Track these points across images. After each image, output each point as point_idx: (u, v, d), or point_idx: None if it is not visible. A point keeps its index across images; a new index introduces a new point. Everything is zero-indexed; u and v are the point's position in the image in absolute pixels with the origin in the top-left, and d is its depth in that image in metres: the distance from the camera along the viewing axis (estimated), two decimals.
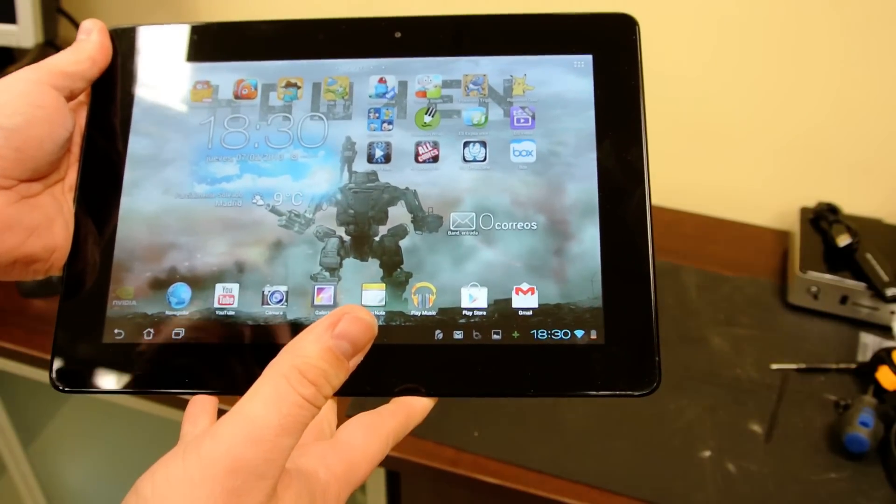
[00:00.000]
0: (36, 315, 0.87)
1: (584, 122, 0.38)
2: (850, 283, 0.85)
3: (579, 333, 0.35)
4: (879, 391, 0.76)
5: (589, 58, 0.39)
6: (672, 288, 0.90)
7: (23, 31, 0.97)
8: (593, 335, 0.35)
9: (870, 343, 0.84)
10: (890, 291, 0.82)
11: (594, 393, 0.34)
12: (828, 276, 0.85)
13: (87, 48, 0.38)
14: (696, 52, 0.94)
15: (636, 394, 0.34)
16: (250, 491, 0.27)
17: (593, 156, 0.37)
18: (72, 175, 0.38)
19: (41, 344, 0.84)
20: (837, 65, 0.91)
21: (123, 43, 0.40)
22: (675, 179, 1.03)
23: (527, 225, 0.37)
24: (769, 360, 0.81)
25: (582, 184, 0.37)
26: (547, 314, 0.36)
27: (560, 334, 0.35)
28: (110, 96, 0.39)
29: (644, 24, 0.39)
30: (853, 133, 0.94)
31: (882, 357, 0.77)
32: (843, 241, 0.87)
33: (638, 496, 0.68)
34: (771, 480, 0.70)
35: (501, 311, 0.36)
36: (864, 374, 0.78)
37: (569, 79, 0.39)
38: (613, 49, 0.39)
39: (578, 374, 0.35)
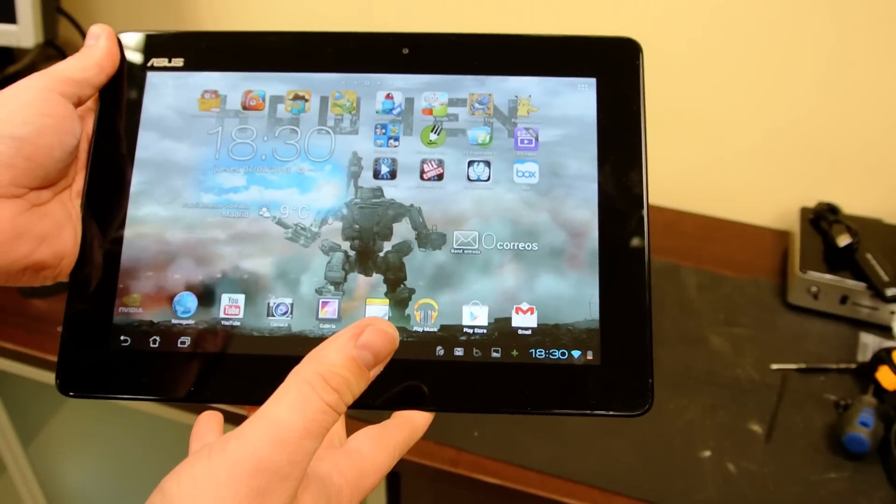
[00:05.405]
0: (36, 315, 0.87)
1: (587, 145, 0.38)
2: (850, 283, 0.85)
3: (576, 354, 0.36)
4: (879, 391, 0.76)
5: (593, 81, 0.39)
6: (672, 288, 0.90)
7: (23, 31, 0.97)
8: (589, 356, 0.36)
9: (870, 343, 0.84)
10: (890, 291, 0.82)
11: (588, 412, 0.35)
12: (828, 276, 0.85)
13: (95, 54, 0.38)
14: (697, 50, 0.94)
15: (628, 414, 0.35)
16: (274, 491, 0.27)
17: (594, 178, 0.38)
18: (79, 181, 0.38)
19: (41, 344, 0.84)
20: (838, 64, 0.91)
21: (131, 49, 0.40)
22: (675, 179, 1.03)
23: (528, 245, 0.37)
24: (769, 360, 0.81)
25: (583, 206, 0.37)
26: (545, 334, 0.36)
27: (557, 354, 0.36)
28: (118, 103, 0.39)
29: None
30: (853, 132, 0.94)
31: (882, 357, 0.77)
32: (843, 241, 0.87)
33: (638, 496, 0.68)
34: (771, 480, 0.70)
35: (501, 329, 0.36)
36: (864, 374, 0.78)
37: (572, 101, 0.39)
38: (617, 73, 0.39)
39: (574, 393, 0.35)
